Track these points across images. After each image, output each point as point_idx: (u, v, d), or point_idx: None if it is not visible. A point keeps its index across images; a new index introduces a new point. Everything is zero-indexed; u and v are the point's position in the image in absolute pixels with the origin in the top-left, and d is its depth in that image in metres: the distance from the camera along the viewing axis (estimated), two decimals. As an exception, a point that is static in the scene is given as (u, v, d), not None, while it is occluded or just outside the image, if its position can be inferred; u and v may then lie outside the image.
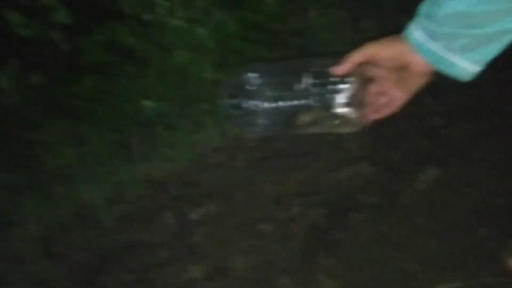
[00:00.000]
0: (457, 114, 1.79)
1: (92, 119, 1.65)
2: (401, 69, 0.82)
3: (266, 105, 0.92)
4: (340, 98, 0.89)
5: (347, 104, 0.89)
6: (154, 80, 1.73)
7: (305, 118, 0.92)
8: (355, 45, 0.83)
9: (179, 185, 1.55)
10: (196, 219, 1.50)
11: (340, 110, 0.88)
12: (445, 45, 0.77)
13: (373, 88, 0.89)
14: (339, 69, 0.86)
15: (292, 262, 1.45)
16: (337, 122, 0.89)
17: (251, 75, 0.96)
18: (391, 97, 0.88)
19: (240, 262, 1.44)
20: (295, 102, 0.91)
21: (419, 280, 1.43)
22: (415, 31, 0.79)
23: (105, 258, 1.43)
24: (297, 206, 1.54)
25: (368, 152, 1.65)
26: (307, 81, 0.91)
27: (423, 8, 0.79)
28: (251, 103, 0.94)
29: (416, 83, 0.83)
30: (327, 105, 0.89)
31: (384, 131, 1.71)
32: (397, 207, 1.56)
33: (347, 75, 0.87)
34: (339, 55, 0.88)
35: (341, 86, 0.89)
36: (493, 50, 0.77)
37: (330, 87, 0.89)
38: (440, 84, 0.84)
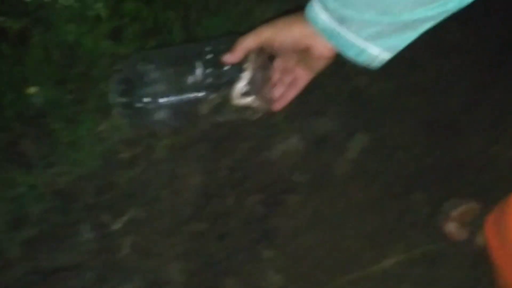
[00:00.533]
0: (377, 72, 1.72)
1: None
2: (303, 51, 0.77)
3: (161, 100, 0.85)
4: (238, 87, 0.82)
5: (247, 93, 0.82)
6: (39, 62, 1.43)
7: (204, 110, 0.85)
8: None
9: (91, 191, 1.32)
10: (119, 229, 1.30)
11: (240, 100, 0.82)
12: (356, 31, 0.69)
13: (275, 65, 0.85)
14: (231, 58, 0.80)
15: (234, 261, 1.33)
16: (239, 111, 0.84)
17: (141, 67, 0.88)
18: (294, 77, 0.84)
19: (177, 271, 1.30)
20: (192, 95, 0.84)
21: (363, 259, 1.40)
22: (321, 14, 0.71)
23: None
24: (230, 197, 1.40)
25: (295, 123, 1.53)
26: (200, 70, 0.85)
27: None
28: (145, 100, 0.85)
29: (320, 64, 0.79)
30: (225, 96, 0.83)
31: (309, 96, 1.59)
32: (331, 182, 1.49)
33: (241, 62, 0.81)
34: (232, 37, 0.81)
35: (237, 74, 0.82)
36: (408, 38, 0.71)
37: (225, 77, 0.83)
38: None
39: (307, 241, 1.40)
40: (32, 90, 1.42)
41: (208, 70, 0.84)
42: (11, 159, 1.32)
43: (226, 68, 0.83)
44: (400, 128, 1.60)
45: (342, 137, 1.55)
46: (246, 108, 0.85)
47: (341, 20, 0.69)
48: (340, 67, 1.66)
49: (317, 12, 0.71)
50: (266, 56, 0.84)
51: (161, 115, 0.89)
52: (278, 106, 0.89)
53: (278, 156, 1.49)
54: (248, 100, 0.84)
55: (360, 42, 0.70)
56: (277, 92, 0.88)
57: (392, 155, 1.56)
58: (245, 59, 0.82)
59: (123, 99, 0.87)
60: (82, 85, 1.44)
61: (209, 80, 0.85)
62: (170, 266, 1.30)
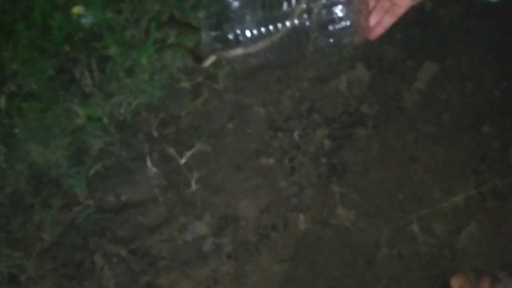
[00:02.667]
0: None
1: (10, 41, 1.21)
2: None
3: (254, 31, 0.80)
4: (335, 12, 0.76)
5: (343, 18, 0.76)
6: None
7: (301, 38, 0.79)
8: None
9: (155, 123, 1.23)
10: (186, 163, 1.23)
11: (336, 25, 0.76)
12: None
13: None
14: None
15: (304, 197, 1.28)
16: (336, 37, 0.77)
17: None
18: (392, 2, 0.79)
19: (248, 206, 1.25)
20: (285, 25, 0.78)
21: (434, 193, 1.35)
22: None
23: (83, 232, 1.15)
24: (296, 130, 1.32)
25: (361, 50, 1.43)
26: None
27: None
28: (236, 32, 0.81)
29: None
30: (322, 22, 0.76)
31: (373, 22, 1.47)
32: (400, 113, 1.41)
33: None
34: None
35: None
36: None
37: (319, 1, 0.76)
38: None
39: (377, 176, 1.34)
40: (77, 10, 1.29)
41: None
42: (66, 87, 1.22)
43: None
44: (468, 56, 1.50)
45: (410, 65, 1.45)
46: (342, 34, 0.77)
47: None
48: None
49: None
50: None
51: (256, 47, 0.81)
52: (374, 34, 0.83)
53: (344, 86, 1.39)
54: (345, 25, 0.76)
55: None
56: (374, 19, 0.82)
57: (461, 85, 1.47)
58: None
59: (215, 33, 0.79)
60: (134, 4, 1.31)
61: (302, 6, 0.77)
62: (240, 202, 1.24)
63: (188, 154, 1.23)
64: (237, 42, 0.81)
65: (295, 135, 1.32)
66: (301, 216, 1.27)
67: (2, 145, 1.14)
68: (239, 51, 0.83)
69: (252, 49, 0.82)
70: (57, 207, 1.14)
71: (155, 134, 1.23)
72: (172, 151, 1.22)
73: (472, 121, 1.43)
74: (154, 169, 1.21)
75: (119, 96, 1.23)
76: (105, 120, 1.19)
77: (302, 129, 1.33)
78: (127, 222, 1.17)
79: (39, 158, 1.14)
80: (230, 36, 0.82)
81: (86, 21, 1.29)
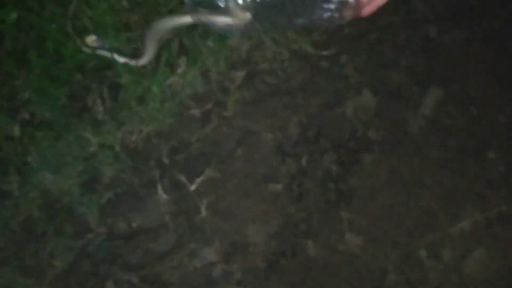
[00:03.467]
0: (448, 20, 1.62)
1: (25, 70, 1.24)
2: None
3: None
4: None
5: None
6: (98, 8, 1.32)
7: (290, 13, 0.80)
8: None
9: (165, 150, 1.25)
10: (196, 190, 1.24)
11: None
12: None
13: None
14: None
15: (312, 223, 1.29)
16: (328, 14, 0.78)
17: None
18: None
19: (257, 232, 1.26)
20: None
21: (440, 219, 1.36)
22: None
23: (95, 259, 1.16)
24: (304, 156, 1.34)
25: (367, 76, 1.45)
26: None
27: None
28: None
29: None
30: None
31: (380, 46, 1.50)
32: (406, 138, 1.43)
33: None
34: None
35: None
36: None
37: None
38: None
39: (384, 201, 1.36)
40: (91, 39, 1.32)
41: None
42: (79, 115, 1.24)
43: None
44: (473, 81, 1.52)
45: (415, 91, 1.47)
46: (337, 9, 0.77)
47: None
48: (411, 15, 1.56)
49: None
50: None
51: (245, 16, 0.80)
52: (366, 11, 0.82)
53: (351, 112, 1.41)
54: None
55: None
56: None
57: (466, 110, 1.49)
58: None
59: None
60: (143, 33, 1.33)
61: None
62: (248, 228, 1.26)
63: (198, 180, 1.25)
64: (225, 9, 0.79)
65: (303, 161, 1.34)
66: (310, 242, 1.28)
67: (15, 173, 1.16)
68: (227, 20, 0.81)
69: (240, 19, 0.81)
70: (69, 234, 1.15)
71: (166, 161, 1.24)
72: (182, 177, 1.24)
73: (477, 146, 1.45)
74: (164, 196, 1.22)
75: (130, 124, 1.25)
76: (117, 148, 1.21)
77: (310, 154, 1.35)
78: (138, 249, 1.18)
79: (52, 186, 1.16)
80: (220, 3, 0.80)
81: (98, 49, 1.32)
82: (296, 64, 1.43)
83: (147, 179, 1.22)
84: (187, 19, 0.97)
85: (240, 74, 1.37)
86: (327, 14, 0.79)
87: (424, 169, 1.41)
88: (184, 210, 1.23)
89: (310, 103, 1.40)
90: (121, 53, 1.30)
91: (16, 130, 1.18)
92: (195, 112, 1.31)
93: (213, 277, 1.20)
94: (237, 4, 0.79)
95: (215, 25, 0.81)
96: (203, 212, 1.24)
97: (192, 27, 1.31)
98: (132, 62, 1.18)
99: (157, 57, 1.30)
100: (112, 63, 1.28)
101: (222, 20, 0.79)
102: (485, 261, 1.36)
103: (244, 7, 0.78)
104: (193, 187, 1.24)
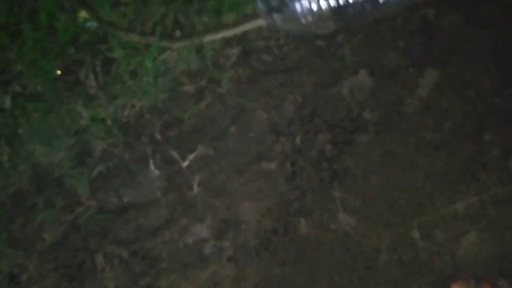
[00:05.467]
0: (446, 2, 1.61)
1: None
2: None
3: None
4: None
5: None
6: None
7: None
8: None
9: (158, 126, 1.24)
10: (188, 166, 1.23)
11: None
12: None
13: None
14: None
15: (306, 202, 1.28)
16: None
17: None
18: None
19: (249, 210, 1.25)
20: None
21: (435, 201, 1.35)
22: None
23: (84, 233, 1.15)
24: (298, 135, 1.33)
25: (363, 57, 1.44)
26: None
27: None
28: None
29: None
30: None
31: (377, 27, 1.49)
32: (401, 120, 1.41)
33: None
34: None
35: None
36: None
37: None
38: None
39: (378, 181, 1.35)
40: (83, 13, 1.30)
41: None
42: (71, 88, 1.23)
43: None
44: (470, 63, 1.51)
45: (412, 72, 1.46)
46: None
47: None
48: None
49: None
50: None
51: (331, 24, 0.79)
52: None
53: (346, 92, 1.40)
54: None
55: None
56: None
57: (463, 93, 1.48)
58: None
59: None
60: (139, 7, 1.32)
61: None
62: (241, 206, 1.25)
63: (190, 157, 1.24)
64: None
65: (297, 140, 1.33)
66: (302, 221, 1.27)
67: (6, 145, 1.15)
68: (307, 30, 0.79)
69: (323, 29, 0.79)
70: (59, 207, 1.14)
71: (158, 136, 1.23)
72: (174, 154, 1.23)
73: (473, 129, 1.44)
74: (156, 172, 1.21)
75: (123, 98, 1.24)
76: (109, 122, 1.20)
77: (304, 134, 1.34)
78: (129, 224, 1.18)
79: (42, 158, 1.15)
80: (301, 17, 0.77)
81: (92, 24, 1.30)
82: (292, 43, 1.42)
83: (139, 154, 1.21)
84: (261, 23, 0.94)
85: (235, 51, 1.35)
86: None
87: (419, 150, 1.40)
88: (176, 186, 1.22)
89: (305, 82, 1.39)
90: (115, 27, 1.29)
91: (8, 102, 1.17)
92: (189, 88, 1.29)
93: (204, 253, 1.19)
94: (321, 15, 0.79)
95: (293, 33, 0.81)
96: (195, 188, 1.23)
97: (187, 1, 1.30)
98: None
99: (151, 32, 1.29)
100: (105, 37, 1.27)
101: (302, 30, 0.79)
102: (478, 244, 1.35)
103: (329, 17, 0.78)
104: (185, 164, 1.23)
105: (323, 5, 0.81)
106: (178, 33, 1.29)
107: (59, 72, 1.20)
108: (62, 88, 1.20)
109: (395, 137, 1.40)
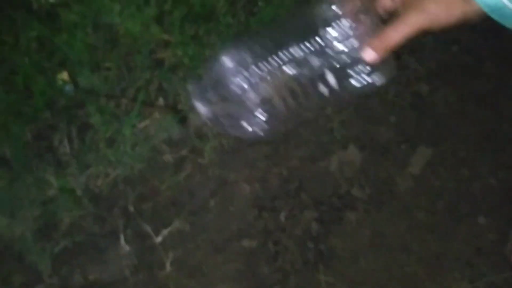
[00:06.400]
0: (440, 78, 1.58)
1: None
2: None
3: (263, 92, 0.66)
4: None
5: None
6: (72, 44, 1.26)
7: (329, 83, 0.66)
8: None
9: (132, 197, 1.16)
10: (161, 242, 1.15)
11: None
12: None
13: None
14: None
15: (288, 285, 1.19)
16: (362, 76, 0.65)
17: (230, 64, 0.68)
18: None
19: (225, 293, 1.15)
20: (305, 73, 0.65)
21: (426, 285, 1.26)
22: None
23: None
24: (283, 211, 1.25)
25: (353, 131, 1.38)
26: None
27: None
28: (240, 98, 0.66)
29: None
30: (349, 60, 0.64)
31: (368, 101, 1.44)
32: (392, 198, 1.34)
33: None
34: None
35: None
36: None
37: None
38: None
39: (366, 265, 1.26)
40: (64, 75, 1.26)
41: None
42: (42, 155, 1.16)
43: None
44: (464, 142, 1.46)
45: (403, 149, 1.40)
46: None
47: None
48: (401, 71, 1.52)
49: None
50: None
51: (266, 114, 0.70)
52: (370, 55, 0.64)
53: (335, 167, 1.34)
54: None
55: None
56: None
57: (456, 172, 1.41)
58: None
59: (215, 107, 0.68)
60: (121, 73, 1.27)
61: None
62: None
63: (164, 232, 1.16)
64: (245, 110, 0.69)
65: (281, 216, 1.25)
66: (284, 306, 1.17)
67: (-35, 213, 1.07)
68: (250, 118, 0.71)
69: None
70: (17, 285, 1.05)
71: (131, 209, 1.15)
72: (147, 228, 1.14)
73: (467, 210, 1.37)
74: (127, 247, 1.13)
75: (97, 167, 1.17)
76: (79, 192, 1.13)
77: (289, 210, 1.26)
78: (92, 305, 1.08)
79: (4, 230, 1.07)
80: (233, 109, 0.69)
81: (70, 88, 1.25)
82: (280, 114, 1.37)
83: (109, 228, 1.13)
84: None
85: (219, 121, 1.30)
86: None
87: (410, 232, 1.32)
88: (147, 264, 1.13)
89: (292, 155, 1.32)
90: (94, 93, 1.24)
91: (-29, 168, 1.10)
92: (169, 157, 1.23)
93: None
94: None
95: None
96: (168, 267, 1.13)
97: (171, 69, 1.26)
98: None
99: (133, 98, 1.23)
100: (83, 102, 1.22)
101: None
102: (474, 337, 1.25)
103: None
104: (158, 239, 1.14)
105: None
106: (161, 101, 1.24)
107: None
108: (32, 155, 1.14)
109: (386, 217, 1.32)
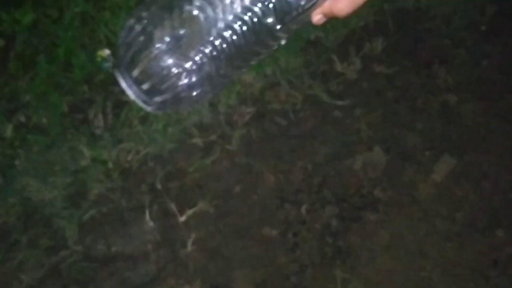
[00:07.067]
0: (469, 91, 1.59)
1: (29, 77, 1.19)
2: None
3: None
4: None
5: None
6: (114, 21, 1.29)
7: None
8: None
9: (160, 175, 1.19)
10: (185, 222, 1.17)
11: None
12: None
13: None
14: None
15: (305, 277, 1.20)
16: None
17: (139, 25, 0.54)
18: None
19: (243, 278, 1.17)
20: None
21: (440, 293, 1.27)
22: None
23: (65, 280, 1.07)
24: (304, 204, 1.26)
25: (380, 133, 1.40)
26: None
27: None
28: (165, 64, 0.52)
29: None
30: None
31: (396, 106, 1.46)
32: (413, 203, 1.35)
33: None
34: None
35: None
36: None
37: None
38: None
39: (383, 265, 1.27)
40: (105, 52, 1.28)
41: None
42: (77, 126, 1.18)
43: None
44: (488, 155, 1.46)
45: (428, 156, 1.41)
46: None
47: None
48: (431, 80, 1.53)
49: None
50: None
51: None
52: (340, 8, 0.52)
53: (359, 167, 1.35)
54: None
55: None
56: None
57: (478, 184, 1.42)
58: None
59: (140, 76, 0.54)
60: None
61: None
62: (234, 272, 1.17)
63: (189, 212, 1.18)
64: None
65: (303, 209, 1.26)
66: (299, 298, 1.18)
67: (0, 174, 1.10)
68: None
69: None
70: (43, 248, 1.07)
71: (159, 186, 1.18)
72: (173, 206, 1.17)
73: (486, 223, 1.37)
74: (151, 223, 1.15)
75: (129, 143, 1.20)
76: (110, 165, 1.15)
77: (311, 204, 1.28)
78: (113, 276, 1.09)
79: (34, 194, 1.09)
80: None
81: (108, 64, 1.28)
82: (309, 109, 1.39)
83: (136, 203, 1.15)
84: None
85: (250, 110, 1.32)
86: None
87: (428, 238, 1.32)
88: (169, 242, 1.15)
89: (317, 151, 1.34)
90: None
91: (9, 131, 1.13)
92: (198, 141, 1.25)
93: (188, 319, 1.10)
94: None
95: None
96: (189, 247, 1.15)
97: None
98: None
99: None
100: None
101: None
102: None
103: None
104: (182, 218, 1.16)
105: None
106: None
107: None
108: (68, 125, 1.16)
109: (405, 221, 1.33)
